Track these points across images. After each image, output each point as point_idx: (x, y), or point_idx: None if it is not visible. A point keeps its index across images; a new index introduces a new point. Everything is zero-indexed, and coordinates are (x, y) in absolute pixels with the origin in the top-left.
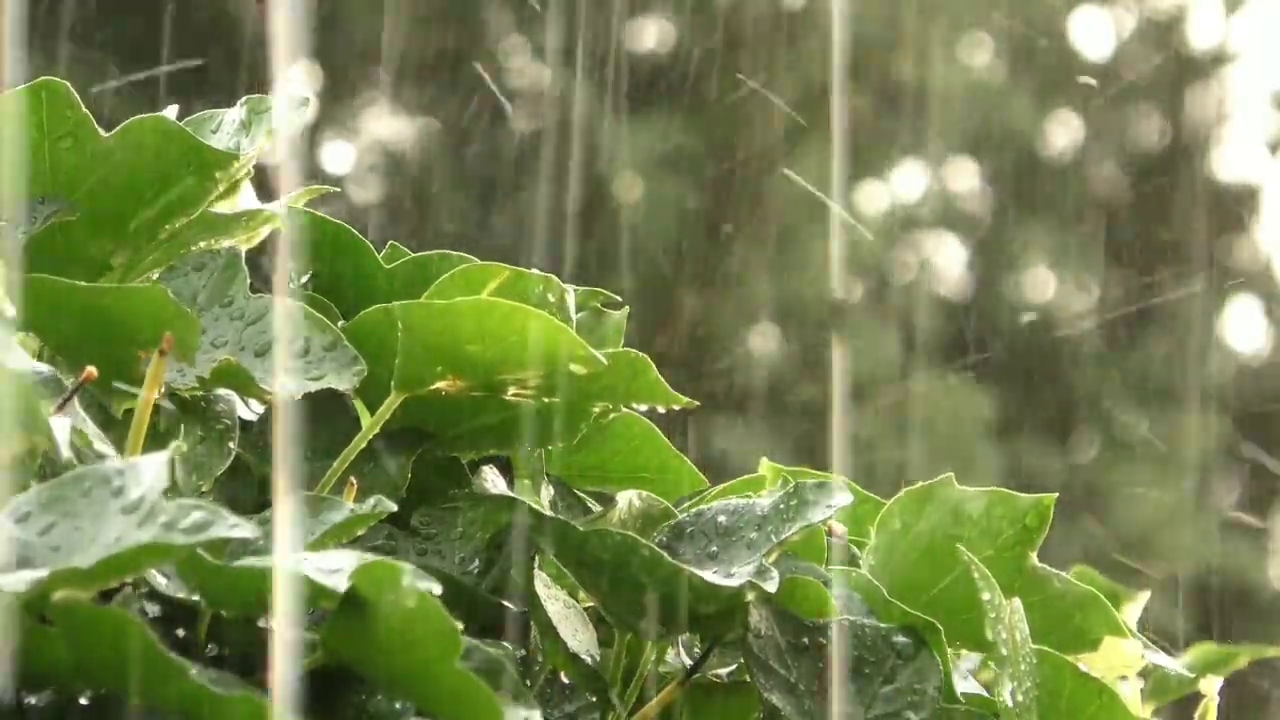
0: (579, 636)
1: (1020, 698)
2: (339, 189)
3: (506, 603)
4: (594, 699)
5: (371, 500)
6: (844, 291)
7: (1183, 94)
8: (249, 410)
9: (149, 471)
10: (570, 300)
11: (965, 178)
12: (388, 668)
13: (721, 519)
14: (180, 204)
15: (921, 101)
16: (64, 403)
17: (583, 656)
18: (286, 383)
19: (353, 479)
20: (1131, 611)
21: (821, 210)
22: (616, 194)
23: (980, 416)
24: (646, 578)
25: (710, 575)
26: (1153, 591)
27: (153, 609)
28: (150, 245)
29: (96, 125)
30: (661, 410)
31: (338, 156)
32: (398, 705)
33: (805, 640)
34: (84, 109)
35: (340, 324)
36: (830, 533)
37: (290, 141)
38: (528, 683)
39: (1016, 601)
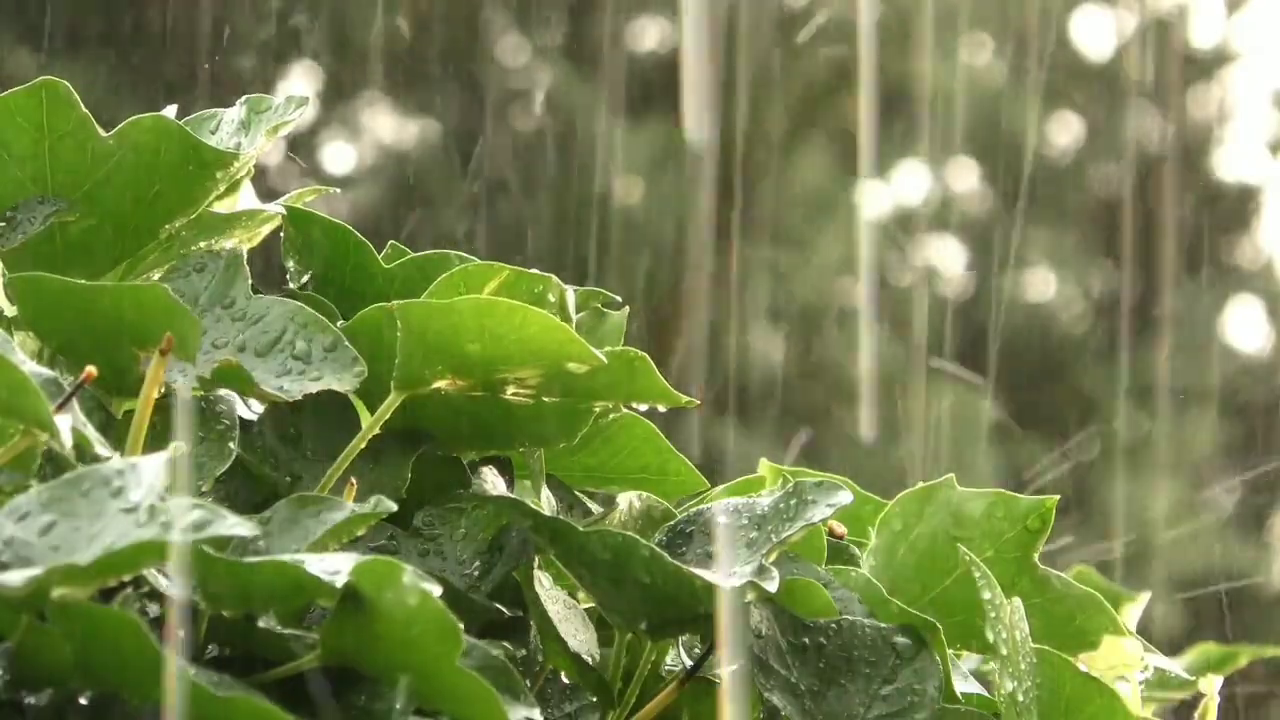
0: (579, 637)
1: (1020, 697)
2: (339, 189)
3: (508, 603)
4: (594, 699)
5: (372, 500)
6: (844, 293)
7: (1183, 94)
8: (249, 410)
9: (149, 472)
10: (570, 300)
11: (965, 178)
12: (388, 667)
13: (722, 519)
14: (180, 204)
15: (922, 102)
16: (64, 403)
17: (583, 656)
18: (286, 384)
19: (352, 479)
20: (1132, 612)
21: (822, 211)
22: (616, 194)
23: (981, 417)
24: (647, 578)
25: (710, 575)
26: (1153, 592)
27: (153, 609)
28: (150, 245)
29: (96, 125)
30: (662, 410)
31: (338, 156)
32: (397, 705)
33: (806, 640)
34: (84, 108)
35: (340, 324)
36: (831, 533)
37: (291, 141)
38: (528, 683)
39: (1017, 601)
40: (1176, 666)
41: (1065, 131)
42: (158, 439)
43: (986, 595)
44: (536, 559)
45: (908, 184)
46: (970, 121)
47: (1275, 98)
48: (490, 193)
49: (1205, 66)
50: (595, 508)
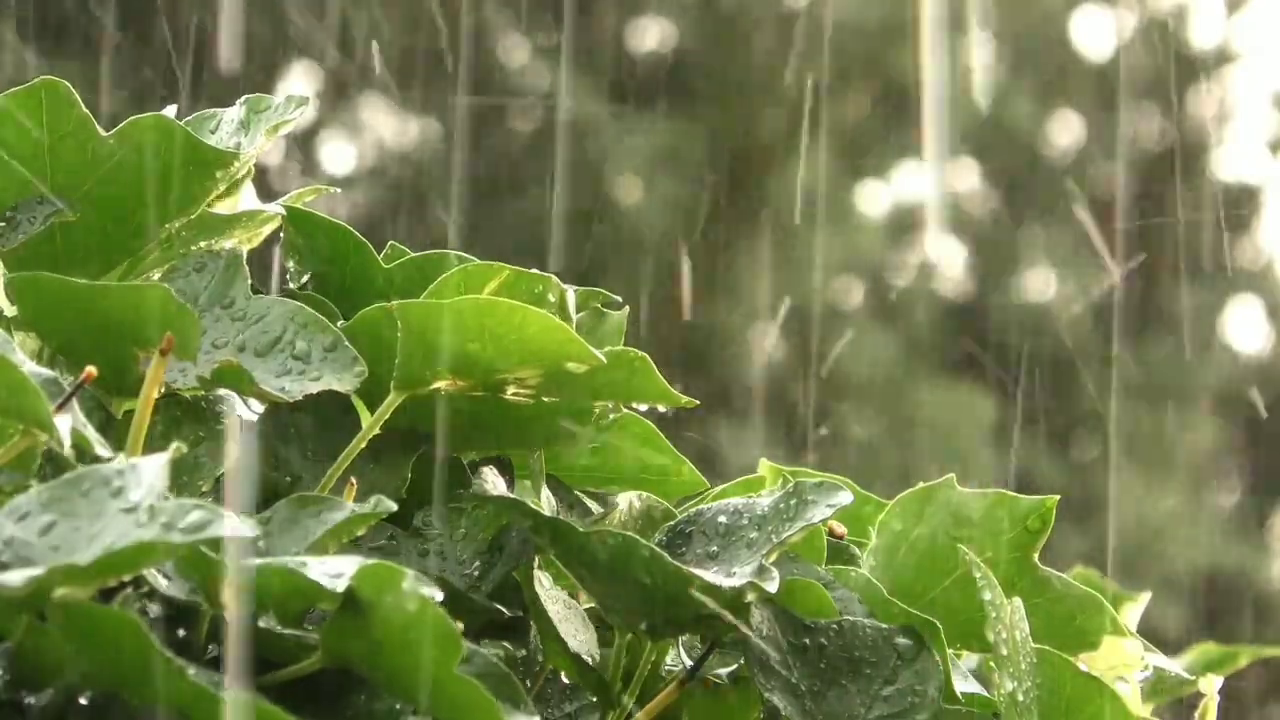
0: (579, 637)
1: (1020, 697)
2: (339, 189)
3: (508, 603)
4: (594, 699)
5: (372, 500)
6: (844, 293)
7: (1183, 94)
8: (249, 410)
9: (149, 473)
10: (570, 300)
11: (965, 178)
12: (388, 670)
13: (721, 519)
14: (180, 204)
15: (922, 102)
16: (64, 403)
17: (583, 657)
18: (286, 384)
19: (352, 479)
20: (1132, 612)
21: (822, 211)
22: (616, 194)
23: (981, 417)
24: (647, 578)
25: (710, 576)
26: (1154, 592)
27: (153, 609)
28: (150, 245)
29: (96, 125)
30: (662, 410)
31: (338, 156)
32: (397, 707)
33: (807, 641)
34: (84, 108)
35: (340, 324)
36: (831, 533)
37: (290, 141)
38: (527, 683)
39: (1017, 601)
40: (1176, 666)
41: (1065, 131)
42: (158, 439)
43: (987, 595)
44: (536, 559)
45: (908, 184)
46: (970, 121)
47: (1275, 98)
48: (489, 192)
49: (1205, 66)
50: (596, 508)
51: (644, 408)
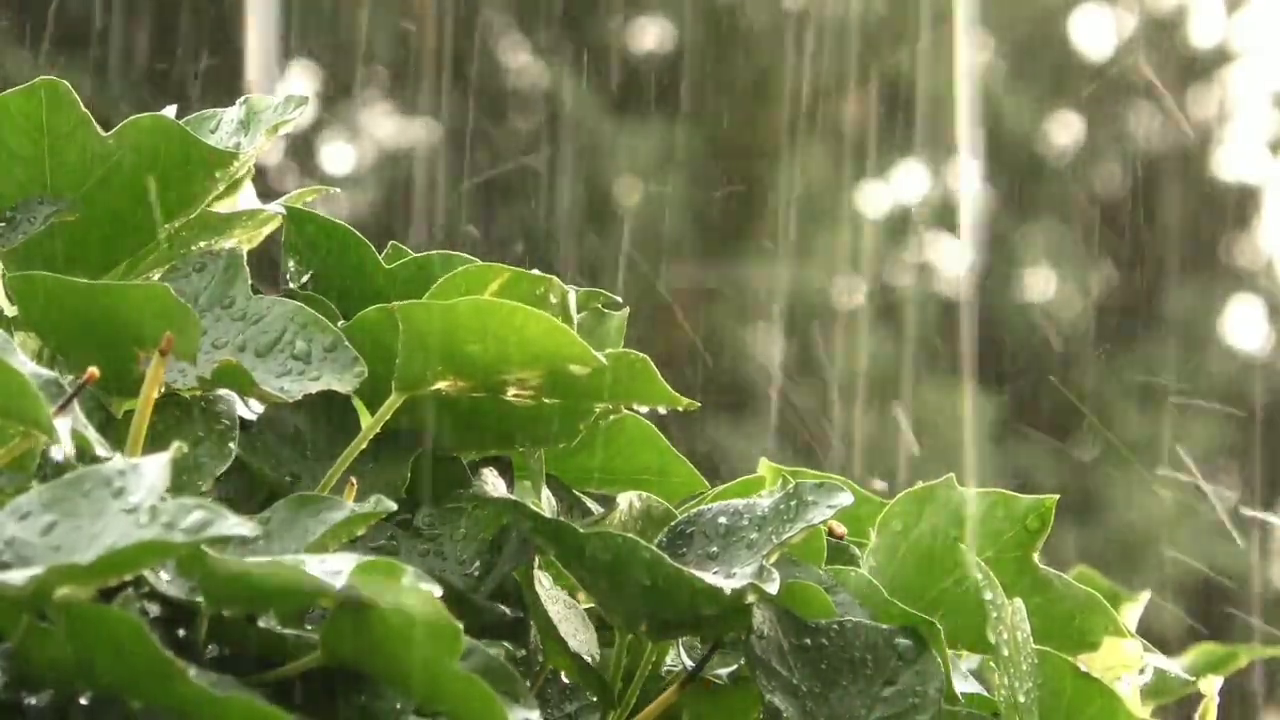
0: (579, 637)
1: (1021, 698)
2: (339, 189)
3: (507, 603)
4: (594, 699)
5: (372, 500)
6: (844, 293)
7: (1183, 94)
8: (249, 410)
9: (150, 473)
10: (571, 301)
11: (965, 178)
12: (388, 668)
13: (722, 520)
14: (180, 203)
15: (921, 101)
16: (65, 404)
17: (583, 657)
18: (286, 384)
19: (352, 479)
20: (1132, 613)
21: (822, 211)
22: (616, 195)
23: (981, 417)
24: (648, 580)
25: (710, 577)
26: (1153, 592)
27: (153, 609)
28: (150, 245)
29: (96, 125)
30: (662, 411)
31: (338, 156)
32: (398, 705)
33: (808, 641)
34: (84, 108)
35: (340, 324)
36: (831, 533)
37: (290, 141)
38: (527, 683)
39: (1018, 602)
40: (1176, 667)
41: (1065, 131)
42: (158, 439)
43: (988, 595)
44: (536, 559)
45: (907, 184)
46: (970, 121)
47: (1275, 98)
48: (490, 193)
49: (1205, 66)
50: (596, 509)
51: (645, 409)
